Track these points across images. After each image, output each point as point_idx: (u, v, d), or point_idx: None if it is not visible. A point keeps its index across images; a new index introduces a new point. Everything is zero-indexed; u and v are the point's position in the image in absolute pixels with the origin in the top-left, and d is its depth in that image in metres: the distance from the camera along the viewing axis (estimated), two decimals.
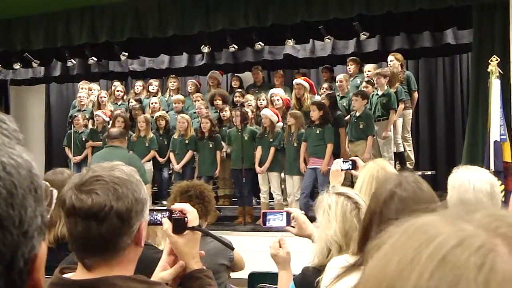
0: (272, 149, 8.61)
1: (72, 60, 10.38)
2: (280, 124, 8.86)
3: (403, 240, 0.60)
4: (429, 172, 9.78)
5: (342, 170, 3.90)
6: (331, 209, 2.52)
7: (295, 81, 9.24)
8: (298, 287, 2.69)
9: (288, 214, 3.10)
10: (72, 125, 10.31)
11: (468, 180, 2.78)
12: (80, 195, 1.53)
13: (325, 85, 9.83)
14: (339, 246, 2.45)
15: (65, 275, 1.60)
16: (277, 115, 8.83)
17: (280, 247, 2.92)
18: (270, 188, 8.75)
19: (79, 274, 1.59)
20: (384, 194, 2.05)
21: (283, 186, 8.82)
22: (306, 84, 9.18)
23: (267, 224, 3.13)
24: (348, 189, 2.68)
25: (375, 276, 0.60)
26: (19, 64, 10.37)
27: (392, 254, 0.59)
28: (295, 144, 8.41)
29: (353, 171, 3.95)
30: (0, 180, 0.63)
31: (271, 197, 8.82)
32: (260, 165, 8.69)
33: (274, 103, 9.24)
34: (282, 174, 8.77)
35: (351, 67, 9.69)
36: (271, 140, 8.65)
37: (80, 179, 1.57)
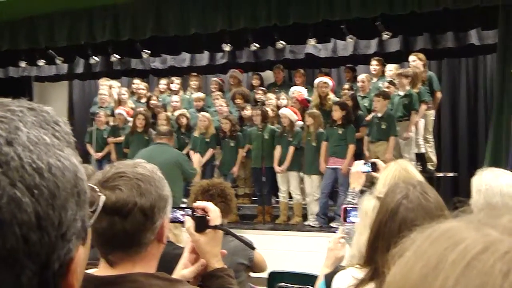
0: (291, 149, 8.59)
1: (95, 58, 10.47)
2: (300, 123, 8.83)
3: (427, 245, 0.59)
4: (451, 174, 9.70)
5: (362, 172, 3.87)
6: (367, 215, 2.48)
7: (321, 79, 9.19)
8: (328, 285, 2.68)
9: None
10: (94, 122, 10.40)
11: (495, 184, 2.73)
12: (104, 191, 1.53)
13: (346, 85, 9.79)
14: None
15: (87, 271, 1.61)
16: (297, 114, 8.80)
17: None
18: (289, 187, 8.74)
19: (102, 270, 1.60)
20: (390, 205, 2.03)
21: (302, 185, 8.80)
22: (331, 83, 9.16)
23: (348, 220, 3.03)
24: None
25: (397, 283, 0.59)
26: (43, 61, 10.50)
27: (415, 260, 0.58)
28: (314, 144, 8.39)
29: (373, 173, 3.92)
30: (44, 180, 0.63)
31: (290, 196, 8.80)
32: (279, 164, 8.68)
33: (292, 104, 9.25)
34: (301, 174, 8.75)
35: (376, 67, 9.59)
36: (290, 139, 8.63)
37: (103, 175, 1.59)
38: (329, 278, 2.70)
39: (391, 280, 0.61)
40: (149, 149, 7.36)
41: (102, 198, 0.78)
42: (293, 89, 9.69)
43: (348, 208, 3.09)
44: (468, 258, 0.55)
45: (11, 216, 0.60)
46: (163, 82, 11.29)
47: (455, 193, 9.22)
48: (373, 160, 4.13)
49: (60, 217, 0.64)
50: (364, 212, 2.51)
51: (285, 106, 9.09)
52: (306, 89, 9.81)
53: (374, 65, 9.60)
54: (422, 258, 0.58)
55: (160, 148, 6.92)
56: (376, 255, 1.98)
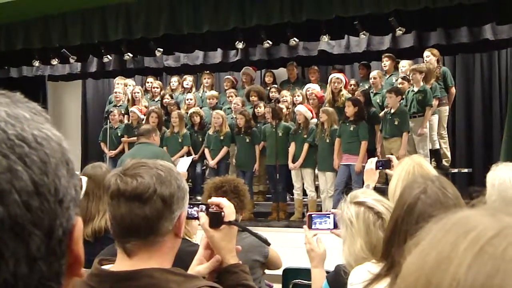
0: (306, 145, 8.59)
1: (108, 56, 10.50)
2: (314, 120, 8.83)
3: (441, 234, 0.60)
4: (466, 170, 9.64)
5: (376, 169, 3.84)
6: (353, 224, 2.42)
7: (334, 75, 9.19)
8: (331, 285, 2.67)
9: (335, 216, 2.96)
10: (108, 120, 10.45)
11: (509, 178, 2.71)
12: (125, 178, 1.58)
13: (352, 81, 9.76)
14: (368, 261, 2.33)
15: (104, 267, 1.62)
16: (311, 111, 8.80)
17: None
18: (303, 184, 8.73)
19: (118, 264, 1.61)
20: (408, 200, 2.01)
21: (317, 182, 8.79)
22: (344, 80, 9.15)
23: (313, 227, 3.01)
24: (367, 196, 2.52)
25: (413, 272, 0.60)
26: (57, 60, 10.54)
27: (430, 249, 0.59)
28: (328, 140, 8.39)
29: (387, 170, 3.90)
30: (32, 150, 0.65)
31: (304, 193, 8.80)
32: (294, 161, 8.68)
33: (310, 100, 9.23)
34: (316, 171, 8.74)
35: (387, 63, 9.57)
36: (305, 136, 8.63)
37: (124, 167, 1.63)
38: (331, 278, 2.69)
39: (406, 270, 0.61)
40: (132, 149, 7.30)
41: (84, 179, 0.80)
42: (307, 86, 9.68)
43: (313, 215, 3.06)
44: (480, 244, 0.55)
45: (10, 185, 0.61)
46: (174, 79, 11.31)
47: (470, 186, 9.16)
48: (388, 156, 4.10)
49: (55, 184, 0.66)
50: (348, 221, 2.44)
51: (301, 103, 9.08)
52: (320, 86, 9.79)
53: (384, 61, 9.57)
54: (436, 247, 0.59)
55: (141, 148, 6.78)
56: (393, 250, 1.97)
